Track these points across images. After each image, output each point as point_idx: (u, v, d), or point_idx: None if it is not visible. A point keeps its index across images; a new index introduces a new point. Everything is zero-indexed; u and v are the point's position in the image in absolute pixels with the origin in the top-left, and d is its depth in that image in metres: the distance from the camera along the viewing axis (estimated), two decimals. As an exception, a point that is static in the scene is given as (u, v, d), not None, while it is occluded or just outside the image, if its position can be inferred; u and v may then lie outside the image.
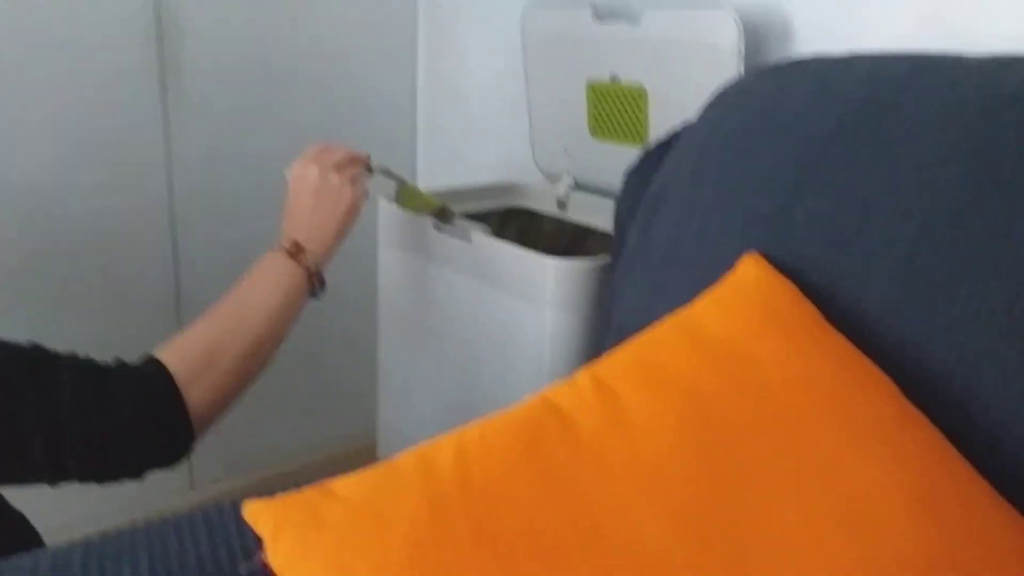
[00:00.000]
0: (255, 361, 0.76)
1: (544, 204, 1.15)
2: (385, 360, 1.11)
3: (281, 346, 0.80)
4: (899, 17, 0.80)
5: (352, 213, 0.86)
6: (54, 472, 0.64)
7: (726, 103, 0.70)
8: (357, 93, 1.44)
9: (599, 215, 1.06)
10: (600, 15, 0.97)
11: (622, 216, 0.79)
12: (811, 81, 0.64)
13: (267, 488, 0.53)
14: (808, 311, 0.51)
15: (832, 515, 0.41)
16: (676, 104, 0.91)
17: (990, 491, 0.43)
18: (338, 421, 1.58)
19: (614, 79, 0.99)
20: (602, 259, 0.81)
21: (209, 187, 1.31)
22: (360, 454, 1.58)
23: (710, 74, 0.81)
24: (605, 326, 0.76)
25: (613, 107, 1.01)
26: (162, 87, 1.23)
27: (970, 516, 0.41)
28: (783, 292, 0.53)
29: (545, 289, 0.82)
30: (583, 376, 0.51)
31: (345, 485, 0.47)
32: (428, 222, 0.97)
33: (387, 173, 0.94)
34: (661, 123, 0.95)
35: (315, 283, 0.82)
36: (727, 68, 0.82)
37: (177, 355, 0.70)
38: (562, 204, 1.12)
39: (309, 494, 0.48)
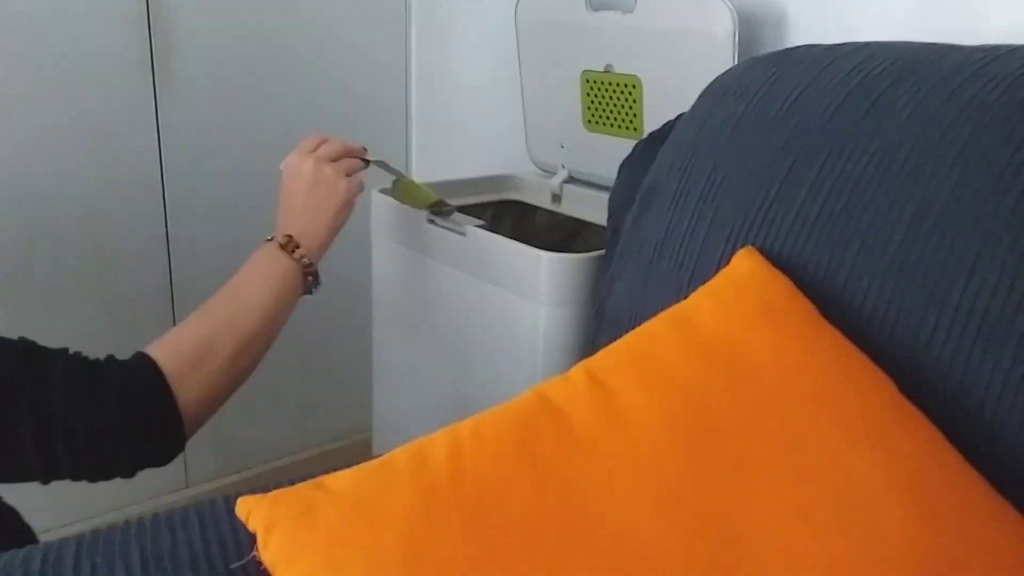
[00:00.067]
0: (247, 358, 0.75)
1: (538, 197, 1.15)
2: (380, 354, 1.11)
3: (275, 342, 0.80)
4: (893, 7, 0.80)
5: (347, 207, 0.85)
6: (46, 470, 0.64)
7: (720, 93, 0.70)
8: (349, 81, 1.43)
9: (593, 208, 1.06)
10: (594, 4, 0.97)
11: (616, 208, 0.79)
12: (805, 71, 0.64)
13: (262, 484, 0.53)
14: (803, 305, 0.51)
15: (824, 507, 0.41)
16: (671, 94, 0.90)
17: (985, 486, 0.43)
18: (334, 416, 1.58)
19: (608, 69, 0.98)
20: (596, 253, 0.81)
21: (201, 173, 1.31)
22: (356, 449, 1.59)
23: (705, 64, 0.81)
24: (598, 319, 0.76)
25: (607, 98, 1.00)
26: (152, 72, 1.22)
27: (965, 511, 0.41)
28: (778, 286, 0.53)
29: (539, 283, 0.81)
30: (577, 371, 0.50)
31: (338, 480, 0.47)
32: (422, 215, 0.96)
33: (383, 166, 0.93)
34: (656, 114, 0.94)
35: (309, 279, 0.82)
36: (722, 58, 0.82)
37: (168, 352, 0.70)
38: (556, 197, 1.12)
39: (302, 489, 0.48)
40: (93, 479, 0.66)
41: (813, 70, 0.63)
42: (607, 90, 1.00)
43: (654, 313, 0.55)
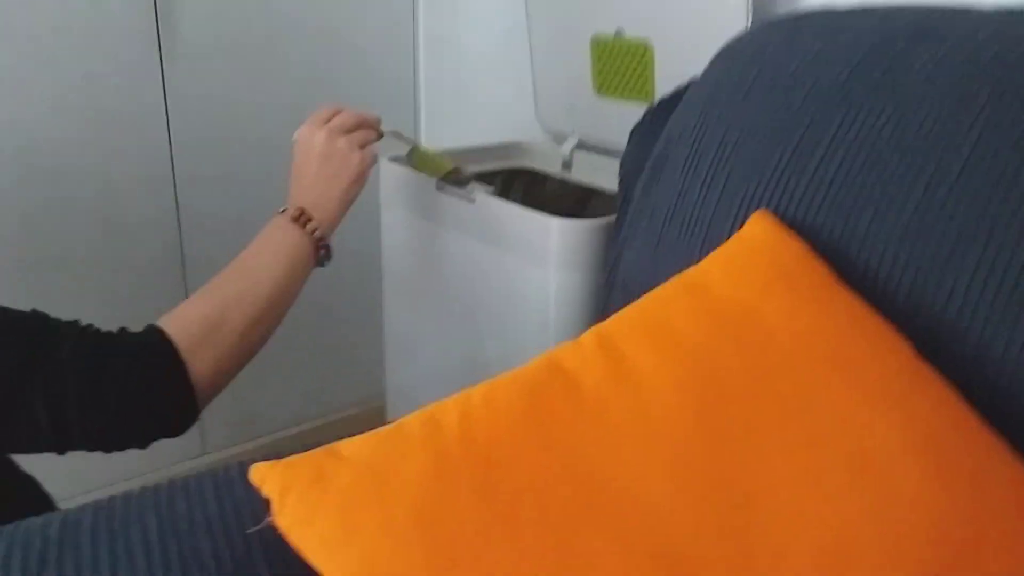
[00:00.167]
0: (259, 330, 0.75)
1: (548, 164, 1.14)
2: (391, 322, 1.11)
3: (288, 311, 0.80)
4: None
5: (359, 180, 0.84)
6: (60, 441, 0.64)
7: (733, 57, 0.69)
8: (356, 47, 1.41)
9: (604, 175, 1.05)
10: (604, -32, 0.95)
11: (627, 174, 0.78)
12: (820, 33, 0.63)
13: (277, 451, 0.53)
14: (817, 268, 0.51)
15: (837, 470, 0.41)
16: (682, 59, 0.89)
17: (1003, 448, 0.43)
18: (348, 383, 1.59)
19: (619, 33, 0.97)
20: (607, 219, 0.80)
21: (208, 139, 1.30)
22: (370, 416, 1.60)
23: (717, 27, 0.79)
24: (609, 285, 0.76)
25: (618, 63, 0.99)
26: (158, 39, 1.21)
27: (982, 473, 0.41)
28: (791, 249, 0.52)
29: (550, 249, 0.81)
30: (588, 336, 0.50)
31: (351, 446, 0.48)
32: (431, 183, 0.96)
33: (397, 136, 0.92)
34: (667, 79, 0.93)
35: (321, 252, 0.81)
36: (735, 21, 0.81)
37: (180, 325, 0.70)
38: (566, 164, 1.11)
39: (315, 455, 0.48)
40: (107, 450, 0.67)
41: (828, 33, 0.62)
42: (617, 55, 0.98)
43: (666, 279, 0.55)
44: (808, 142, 0.58)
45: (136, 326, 0.70)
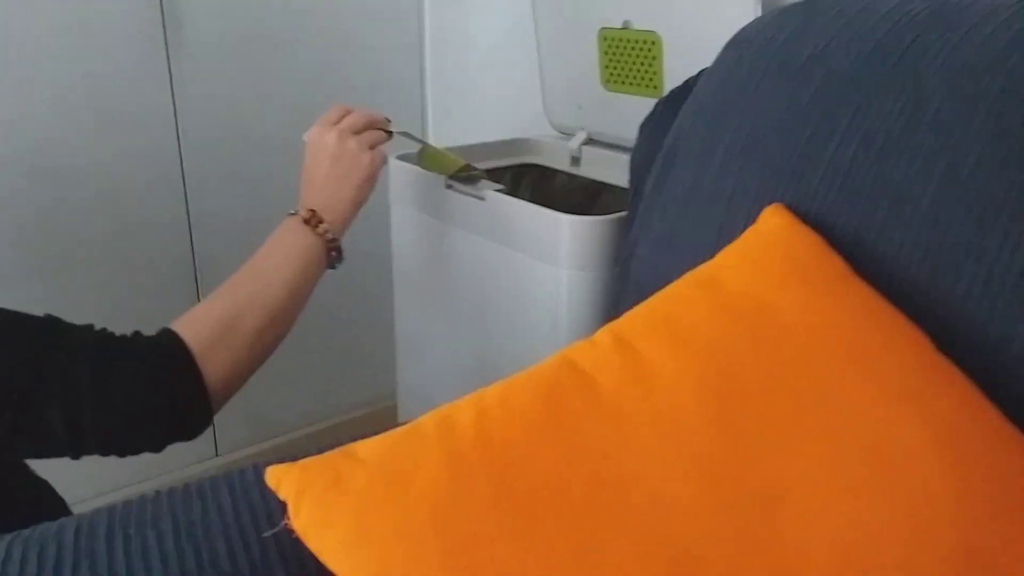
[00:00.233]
0: (272, 333, 0.75)
1: (557, 160, 1.13)
2: (402, 322, 1.11)
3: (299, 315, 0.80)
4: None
5: (370, 180, 0.84)
6: (75, 446, 0.64)
7: (743, 47, 0.68)
8: (363, 44, 1.41)
9: (612, 170, 1.04)
10: (610, -40, 0.94)
11: (638, 169, 0.78)
12: (832, 21, 0.62)
13: (291, 452, 0.53)
14: (832, 262, 0.50)
15: (857, 466, 0.40)
16: (691, 50, 0.88)
17: (1024, 441, 0.42)
18: (359, 384, 1.59)
19: (626, 25, 0.96)
20: (618, 214, 0.80)
21: (216, 137, 1.31)
22: (382, 416, 1.60)
23: (727, 17, 0.78)
24: (622, 282, 0.75)
25: (626, 55, 0.98)
26: (164, 38, 1.21)
27: (1003, 468, 0.40)
28: (806, 243, 0.51)
29: (561, 246, 0.81)
30: (603, 334, 0.50)
31: (366, 448, 0.47)
32: (440, 181, 0.95)
33: (407, 136, 0.92)
34: (676, 70, 0.92)
35: (332, 253, 0.81)
36: (745, 9, 0.80)
37: (193, 328, 0.70)
38: (575, 160, 1.10)
39: (331, 457, 0.48)
40: (122, 454, 0.67)
41: (840, 20, 0.61)
42: (625, 47, 0.98)
43: (679, 274, 0.54)
44: (822, 132, 0.57)
45: (147, 328, 0.70)
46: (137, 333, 0.69)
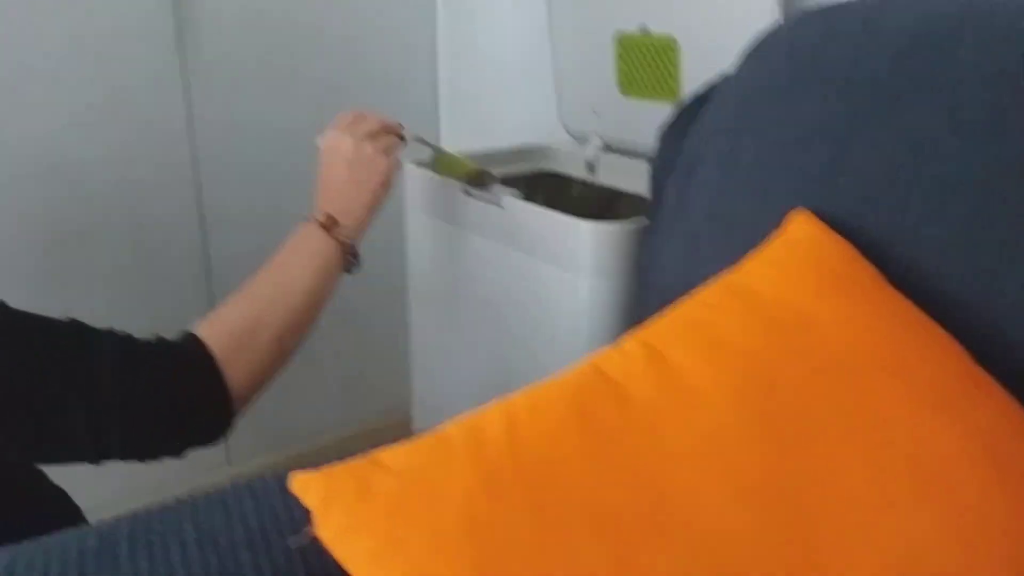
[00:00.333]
0: (292, 337, 0.75)
1: (572, 167, 1.13)
2: (417, 330, 1.10)
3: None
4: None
5: (386, 185, 0.84)
6: (98, 451, 0.64)
7: (765, 52, 0.67)
8: (377, 52, 1.41)
9: (628, 177, 1.03)
10: (627, -36, 0.94)
11: (658, 175, 0.77)
12: (857, 24, 0.61)
13: (303, 463, 0.52)
14: (866, 270, 0.49)
15: (901, 479, 0.39)
16: (710, 55, 0.87)
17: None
18: (373, 393, 1.58)
19: (643, 30, 0.96)
20: (638, 221, 0.79)
21: (231, 148, 1.31)
22: (396, 427, 1.59)
23: (746, 21, 0.78)
24: (643, 290, 0.74)
25: (643, 61, 0.98)
26: (179, 49, 1.22)
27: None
28: (838, 250, 0.51)
29: (580, 254, 0.80)
30: (632, 342, 0.49)
31: (394, 456, 0.47)
32: (457, 187, 0.95)
33: (422, 141, 0.92)
34: (694, 76, 0.92)
35: (349, 258, 0.81)
36: (765, 14, 0.79)
37: (216, 332, 0.70)
38: (591, 166, 1.10)
39: (357, 465, 0.47)
40: (143, 459, 0.67)
41: (868, 23, 0.60)
42: (642, 52, 0.97)
43: (703, 281, 0.53)
44: (851, 139, 0.56)
45: (164, 332, 0.70)
46: (160, 337, 0.69)
